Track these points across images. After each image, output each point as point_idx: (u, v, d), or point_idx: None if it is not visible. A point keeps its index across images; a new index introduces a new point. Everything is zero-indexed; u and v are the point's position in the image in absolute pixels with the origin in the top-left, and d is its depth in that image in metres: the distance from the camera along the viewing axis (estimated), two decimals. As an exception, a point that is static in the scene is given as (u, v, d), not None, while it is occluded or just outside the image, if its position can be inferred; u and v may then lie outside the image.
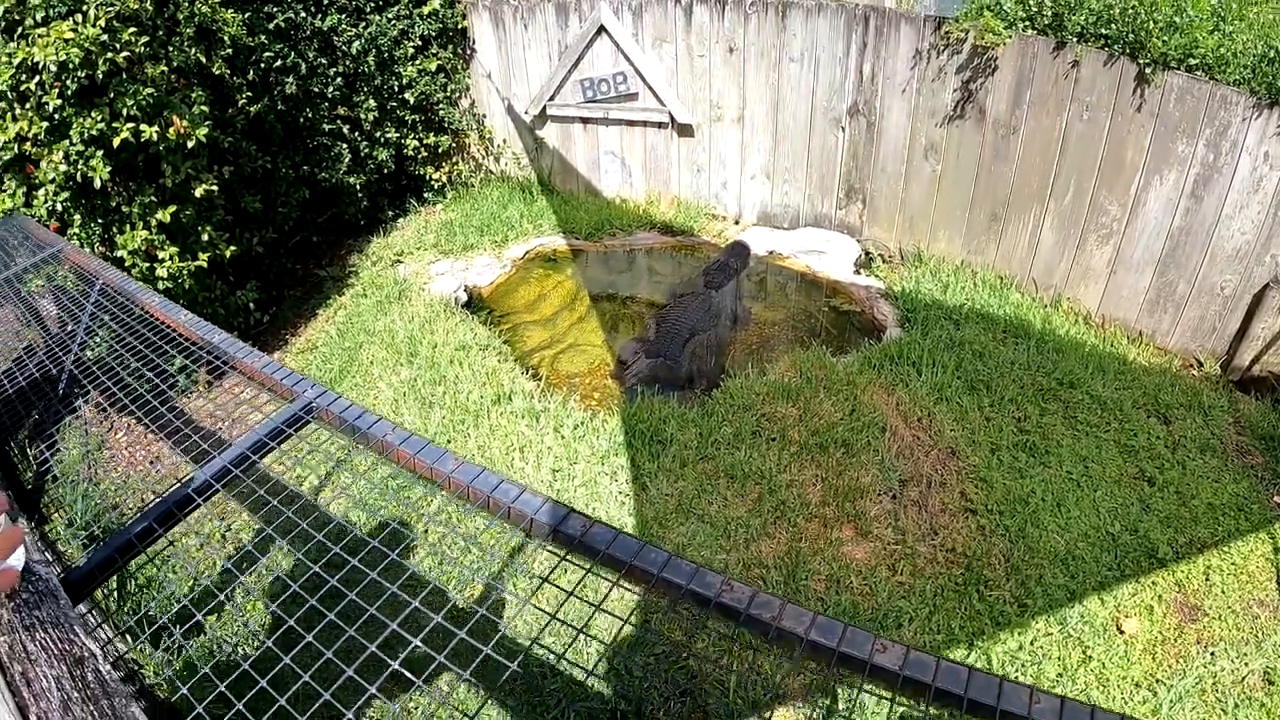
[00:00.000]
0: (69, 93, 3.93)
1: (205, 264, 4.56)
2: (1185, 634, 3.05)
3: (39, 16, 3.96)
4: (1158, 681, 2.89)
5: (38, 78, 3.90)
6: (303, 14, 5.69)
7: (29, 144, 3.98)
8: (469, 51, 6.56)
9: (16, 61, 3.85)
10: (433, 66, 6.26)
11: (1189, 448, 3.88)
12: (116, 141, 4.06)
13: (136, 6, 4.17)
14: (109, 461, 4.29)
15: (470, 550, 3.34)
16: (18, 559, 1.04)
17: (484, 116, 6.82)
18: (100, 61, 3.96)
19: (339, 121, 6.07)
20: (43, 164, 4.00)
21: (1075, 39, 4.51)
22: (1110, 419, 4.07)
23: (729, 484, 3.75)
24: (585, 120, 6.37)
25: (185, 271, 4.42)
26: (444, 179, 6.82)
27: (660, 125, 6.07)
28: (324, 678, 1.20)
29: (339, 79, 5.95)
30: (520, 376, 4.67)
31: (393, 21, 6.06)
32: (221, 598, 2.36)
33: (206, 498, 1.44)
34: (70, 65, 3.87)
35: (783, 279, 5.63)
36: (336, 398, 1.62)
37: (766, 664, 2.97)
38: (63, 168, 4.00)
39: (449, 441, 4.20)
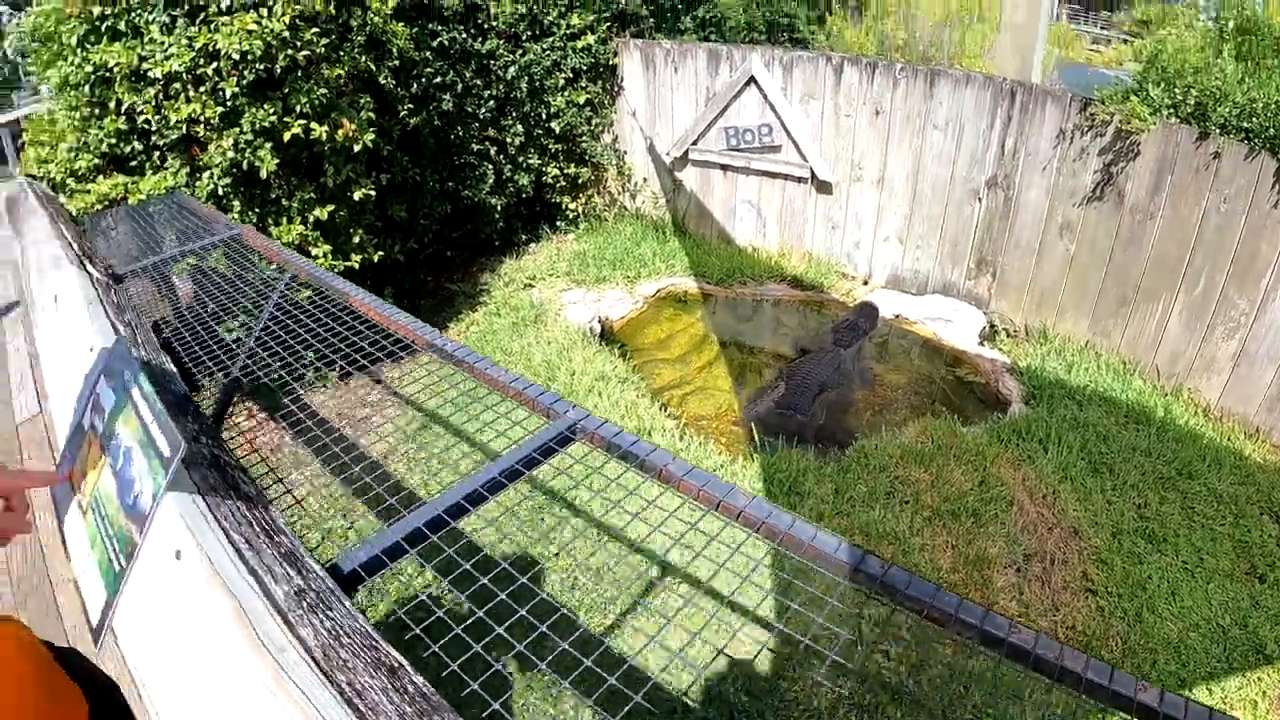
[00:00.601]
0: (245, 83, 4.50)
1: (356, 265, 5.26)
2: (1285, 731, 3.49)
3: (224, 4, 4.57)
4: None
5: (215, 64, 4.47)
6: (464, 35, 6.56)
7: (201, 127, 4.56)
8: (616, 88, 7.46)
9: (198, 46, 4.41)
10: (581, 99, 7.16)
11: (1300, 548, 4.33)
12: (287, 136, 4.65)
13: (320, 8, 4.76)
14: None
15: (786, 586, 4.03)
16: None
17: (624, 153, 7.73)
18: (280, 56, 4.55)
19: (487, 143, 6.94)
20: (211, 148, 4.58)
21: (1218, 130, 5.08)
22: (1225, 513, 4.60)
23: (864, 541, 4.31)
24: (725, 167, 7.23)
25: (335, 270, 4.97)
26: (579, 210, 7.71)
27: (800, 180, 6.91)
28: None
29: (491, 101, 6.84)
30: (659, 413, 5.37)
31: (547, 52, 6.95)
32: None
33: (477, 507, 1.60)
34: (251, 56, 4.44)
35: (907, 343, 6.40)
36: (603, 421, 1.80)
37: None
38: (230, 154, 4.57)
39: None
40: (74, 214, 4.34)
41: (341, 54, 5.04)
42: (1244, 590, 4.14)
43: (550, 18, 6.95)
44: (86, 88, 4.57)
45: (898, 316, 6.52)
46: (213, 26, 4.48)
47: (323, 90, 4.81)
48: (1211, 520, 4.59)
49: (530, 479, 1.88)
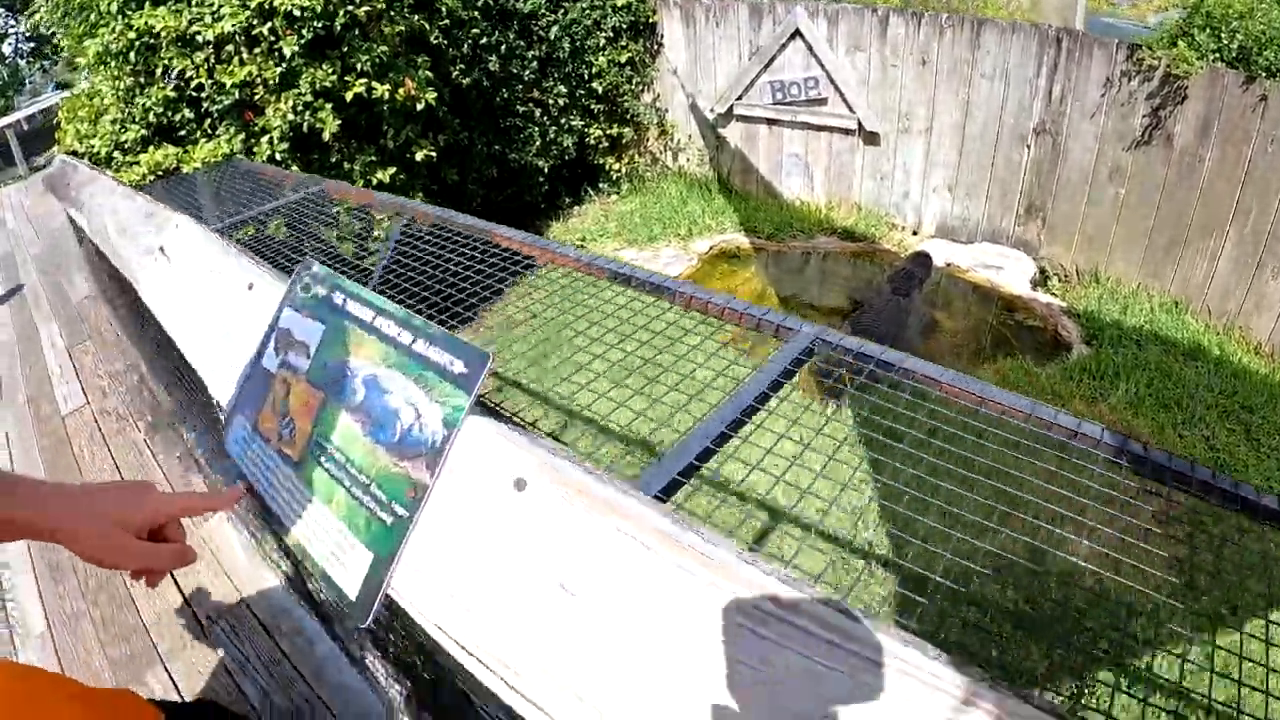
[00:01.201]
0: (303, 41, 4.08)
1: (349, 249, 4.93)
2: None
3: None
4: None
5: (270, 23, 4.03)
6: None
7: (261, 88, 4.12)
8: (656, 47, 7.02)
9: (253, 4, 3.98)
10: (623, 58, 6.73)
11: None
12: (349, 95, 4.23)
13: None
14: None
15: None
16: None
17: (665, 111, 7.29)
18: (340, 13, 4.12)
19: (531, 104, 6.52)
20: (268, 111, 4.15)
21: (1264, 74, 4.85)
22: (1289, 443, 4.37)
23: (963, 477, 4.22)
24: (771, 121, 6.82)
25: (393, 235, 4.75)
26: (622, 170, 7.26)
27: (847, 131, 6.51)
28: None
29: (534, 62, 6.41)
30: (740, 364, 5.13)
31: (587, 11, 6.51)
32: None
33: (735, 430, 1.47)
34: (309, 13, 4.02)
35: (962, 290, 6.10)
36: (841, 337, 1.70)
37: None
38: (290, 117, 4.14)
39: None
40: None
41: (394, 12, 4.60)
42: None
43: (589, -25, 6.44)
44: (131, 55, 4.05)
45: (949, 264, 6.18)
46: (268, -18, 4.00)
47: (383, 48, 4.39)
48: (1276, 450, 4.39)
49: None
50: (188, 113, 4.25)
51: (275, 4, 4.01)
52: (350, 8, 4.20)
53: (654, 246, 6.52)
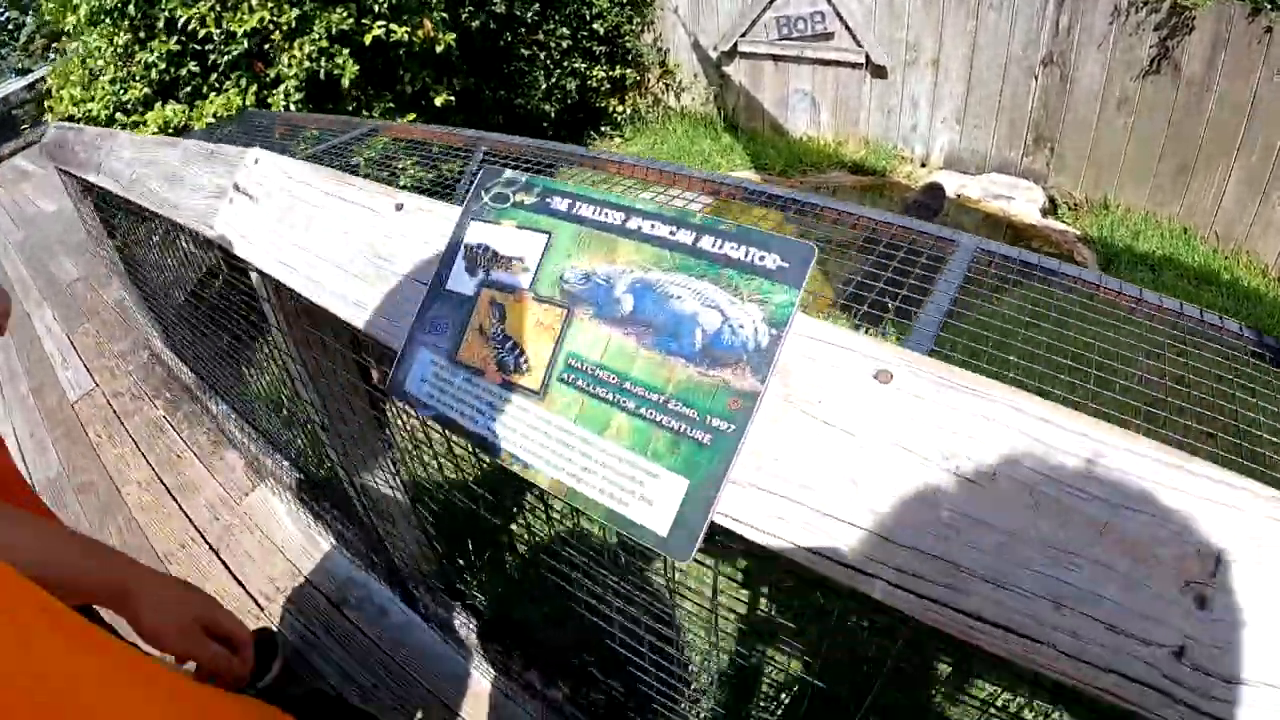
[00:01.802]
0: None
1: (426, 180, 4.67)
2: None
3: None
4: None
5: None
6: None
7: (278, 33, 3.77)
8: (656, -15, 6.66)
9: None
10: (625, -2, 6.38)
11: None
12: (368, 39, 3.88)
13: None
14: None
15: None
16: None
17: (667, 51, 6.97)
18: None
19: (534, 47, 6.17)
20: (283, 58, 3.82)
21: (1269, 5, 4.73)
22: (1301, 361, 4.48)
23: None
24: (777, 58, 6.54)
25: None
26: (626, 112, 6.95)
27: (854, 65, 6.26)
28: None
29: (536, 3, 6.04)
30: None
31: (586, -53, 6.14)
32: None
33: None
34: None
35: (974, 220, 5.94)
36: (998, 245, 1.77)
37: None
38: (306, 64, 3.81)
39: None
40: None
41: (407, -50, 4.17)
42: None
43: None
44: (130, 8, 3.63)
45: (959, 195, 6.02)
46: (276, -77, 3.61)
47: None
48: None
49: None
50: (193, 66, 3.88)
51: None
52: None
53: (665, 187, 6.26)
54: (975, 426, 0.65)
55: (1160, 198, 5.60)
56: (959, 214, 5.95)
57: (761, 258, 0.75)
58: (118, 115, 3.96)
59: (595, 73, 6.65)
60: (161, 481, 3.03)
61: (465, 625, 2.31)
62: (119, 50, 3.90)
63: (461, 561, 2.22)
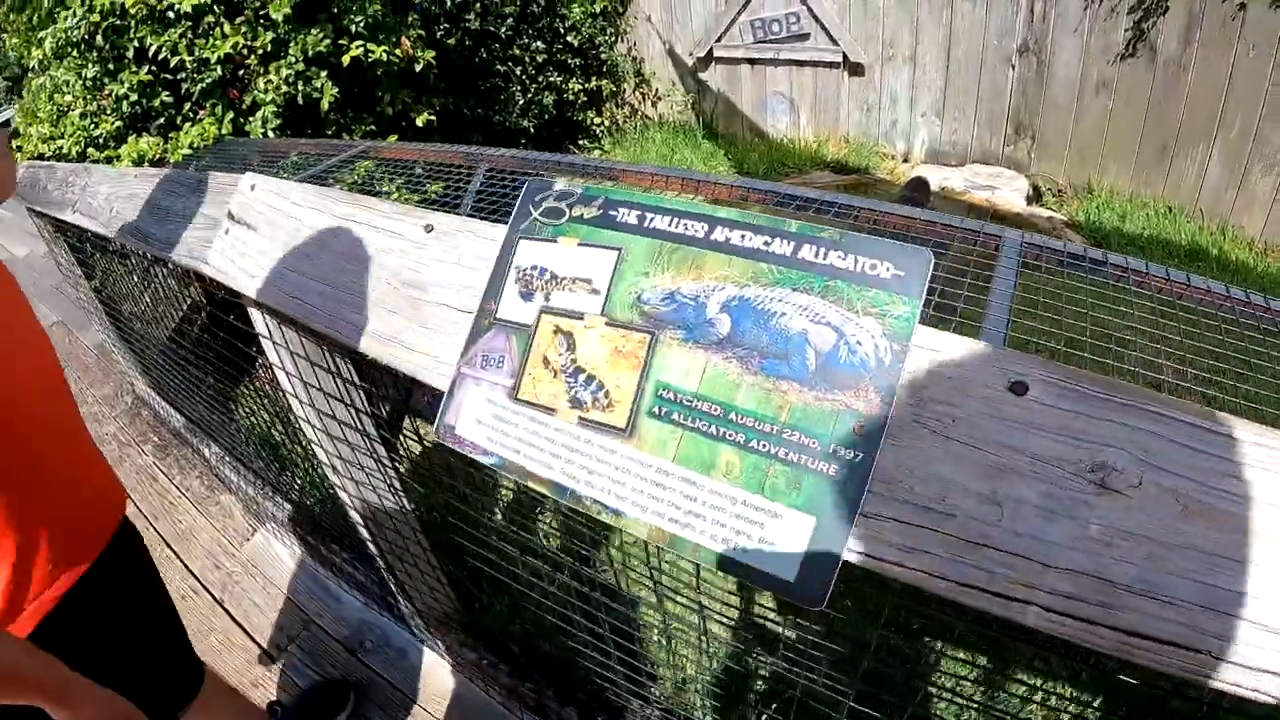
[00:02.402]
0: (294, 3, 3.66)
1: (415, 202, 4.59)
2: None
3: None
4: None
5: None
6: None
7: (253, 58, 3.68)
8: (628, -6, 6.62)
9: None
10: (598, 9, 6.32)
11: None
12: (346, 60, 3.79)
13: None
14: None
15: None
16: None
17: (642, 60, 6.91)
18: None
19: (510, 63, 6.09)
20: (260, 83, 3.71)
21: None
22: (1291, 328, 4.51)
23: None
24: (753, 61, 6.49)
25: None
26: (604, 124, 6.88)
27: (831, 65, 6.22)
28: None
29: (510, 18, 5.97)
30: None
31: (558, -40, 6.09)
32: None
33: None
34: None
35: (960, 212, 5.92)
36: (1045, 239, 1.75)
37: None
38: (283, 89, 3.71)
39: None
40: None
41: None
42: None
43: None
44: (99, 38, 3.51)
45: (944, 188, 6.00)
46: (249, -57, 3.48)
47: (376, 5, 3.91)
48: None
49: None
50: (166, 96, 3.74)
51: None
52: None
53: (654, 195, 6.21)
54: (1116, 434, 0.61)
55: (1144, 179, 5.59)
56: (944, 207, 5.92)
57: (873, 266, 0.66)
58: (90, 151, 3.81)
59: (572, 86, 6.57)
60: (156, 530, 2.90)
61: (493, 663, 2.22)
62: (88, 83, 3.75)
63: (484, 596, 2.12)
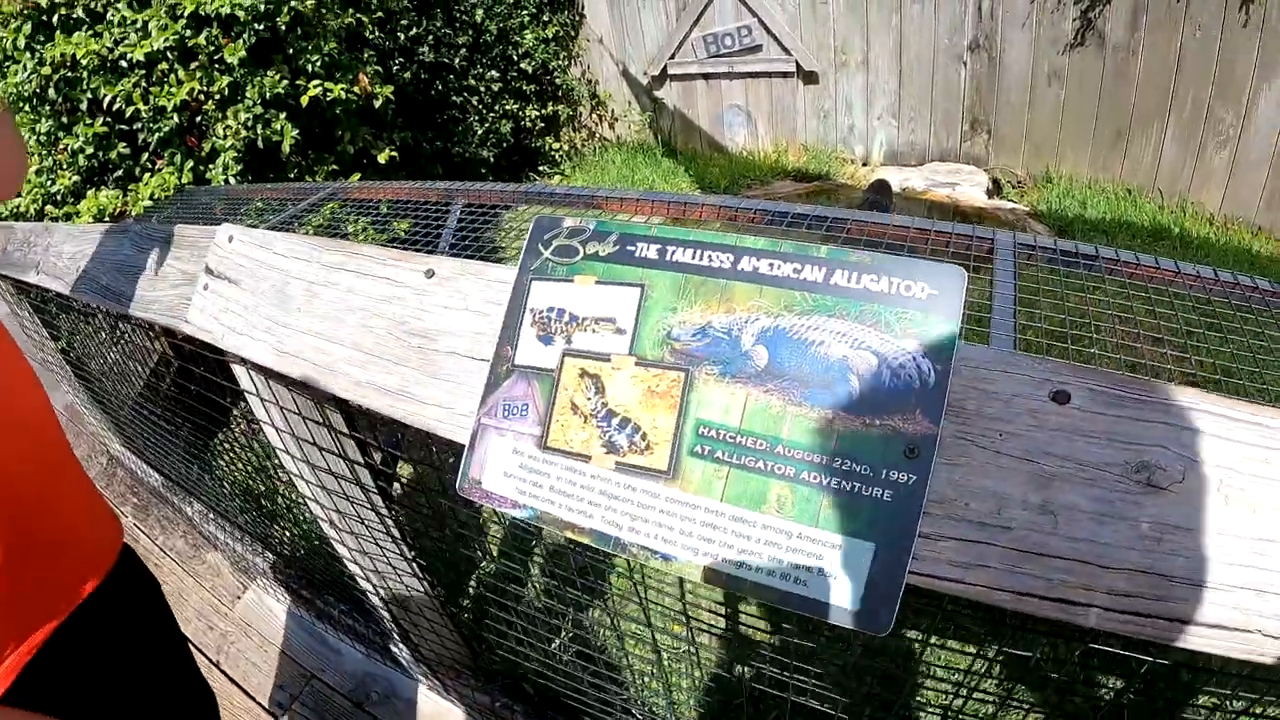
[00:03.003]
0: (249, 45, 3.60)
1: (383, 243, 4.56)
2: None
3: None
4: None
5: (207, 31, 3.53)
6: None
7: (211, 103, 3.62)
8: (578, 18, 6.68)
9: (185, 14, 3.45)
10: (550, 34, 6.35)
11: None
12: (305, 100, 3.74)
13: None
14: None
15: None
16: None
17: (596, 83, 6.95)
18: (284, 10, 3.63)
19: (465, 93, 6.10)
20: (218, 128, 3.65)
21: None
22: (1255, 300, 4.64)
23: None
24: (708, 76, 6.56)
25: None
26: (562, 149, 6.90)
27: (786, 75, 6.29)
28: None
29: (463, 49, 5.98)
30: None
31: (505, -11, 6.11)
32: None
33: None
34: (252, 13, 3.53)
35: (923, 211, 6.00)
36: (1035, 238, 1.76)
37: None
38: (243, 133, 3.65)
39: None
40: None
41: (336, 5, 4.12)
42: None
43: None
44: (52, 91, 3.45)
45: (905, 189, 6.08)
46: (201, -12, 3.43)
47: (331, 44, 3.86)
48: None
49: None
50: (123, 148, 3.66)
51: (211, 10, 3.44)
52: (294, 3, 3.65)
53: (619, 219, 6.22)
54: (1155, 433, 0.63)
55: (1101, 164, 5.72)
56: (906, 207, 6.00)
57: (908, 287, 0.67)
58: (48, 208, 3.71)
59: (528, 112, 6.58)
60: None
61: (507, 704, 2.18)
62: (42, 138, 3.66)
63: (492, 636, 2.09)
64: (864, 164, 6.52)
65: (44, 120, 3.62)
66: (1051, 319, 1.53)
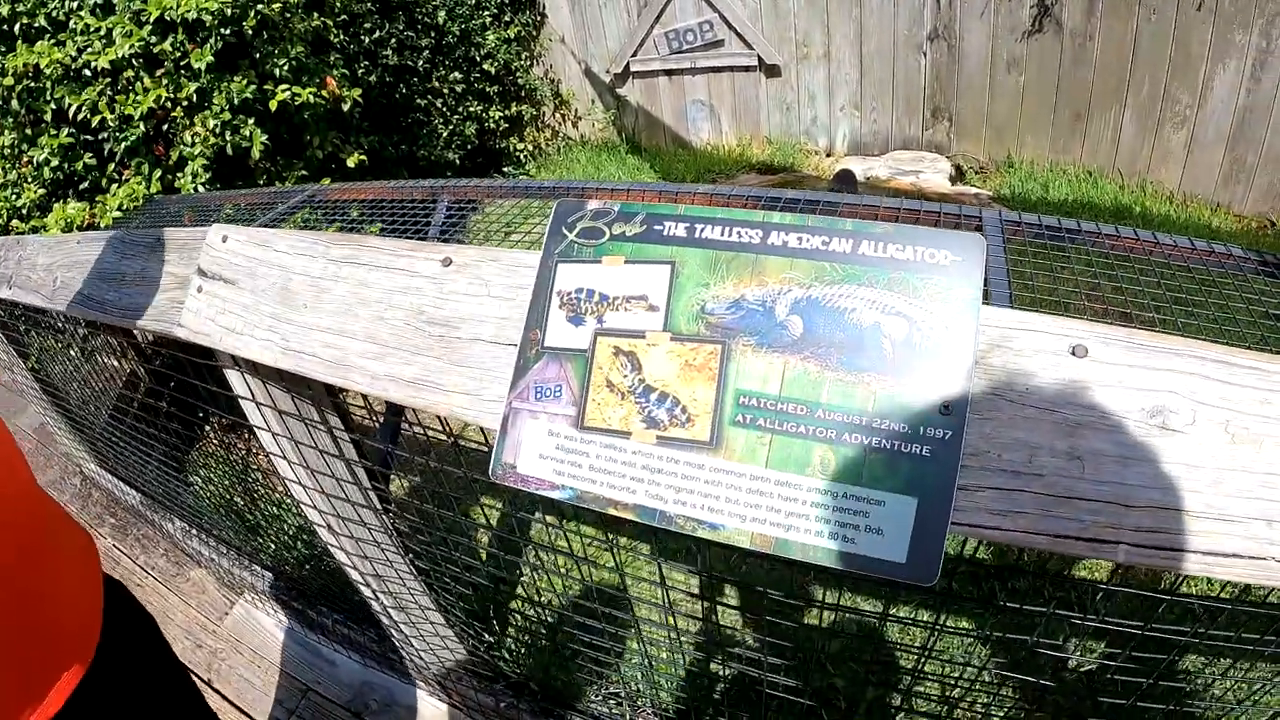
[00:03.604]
0: (216, 50, 3.57)
1: None
2: None
3: None
4: None
5: (172, 37, 3.49)
6: None
7: (179, 110, 3.59)
8: (540, 18, 6.69)
9: (150, 19, 3.42)
10: (512, 34, 6.36)
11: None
12: (274, 105, 3.72)
13: None
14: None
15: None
16: None
17: (559, 82, 6.97)
18: (251, 14, 3.60)
19: (429, 96, 6.09)
20: (186, 136, 3.62)
21: None
22: (1216, 270, 4.80)
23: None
24: (670, 72, 6.60)
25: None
26: (527, 149, 6.90)
27: (748, 69, 6.35)
28: None
29: (426, 51, 5.98)
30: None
31: (465, -10, 6.11)
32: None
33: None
34: (218, 18, 3.50)
35: (889, 198, 6.11)
36: (1019, 214, 1.89)
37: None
38: (211, 140, 3.61)
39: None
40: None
41: (301, 9, 4.05)
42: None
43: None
44: (14, 103, 3.40)
45: (869, 177, 6.16)
46: (160, -9, 3.38)
47: (299, 47, 3.84)
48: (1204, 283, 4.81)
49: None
50: (89, 158, 3.60)
51: (177, 15, 3.40)
52: (260, 7, 3.61)
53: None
54: (1167, 381, 0.68)
55: (1061, 147, 5.85)
56: (878, 194, 6.09)
57: (932, 255, 0.71)
58: (14, 223, 3.64)
59: (492, 113, 6.58)
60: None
61: (512, 704, 2.20)
62: (6, 151, 3.59)
63: (492, 635, 2.11)
64: (828, 155, 6.60)
65: (7, 133, 3.56)
66: (1041, 287, 1.60)
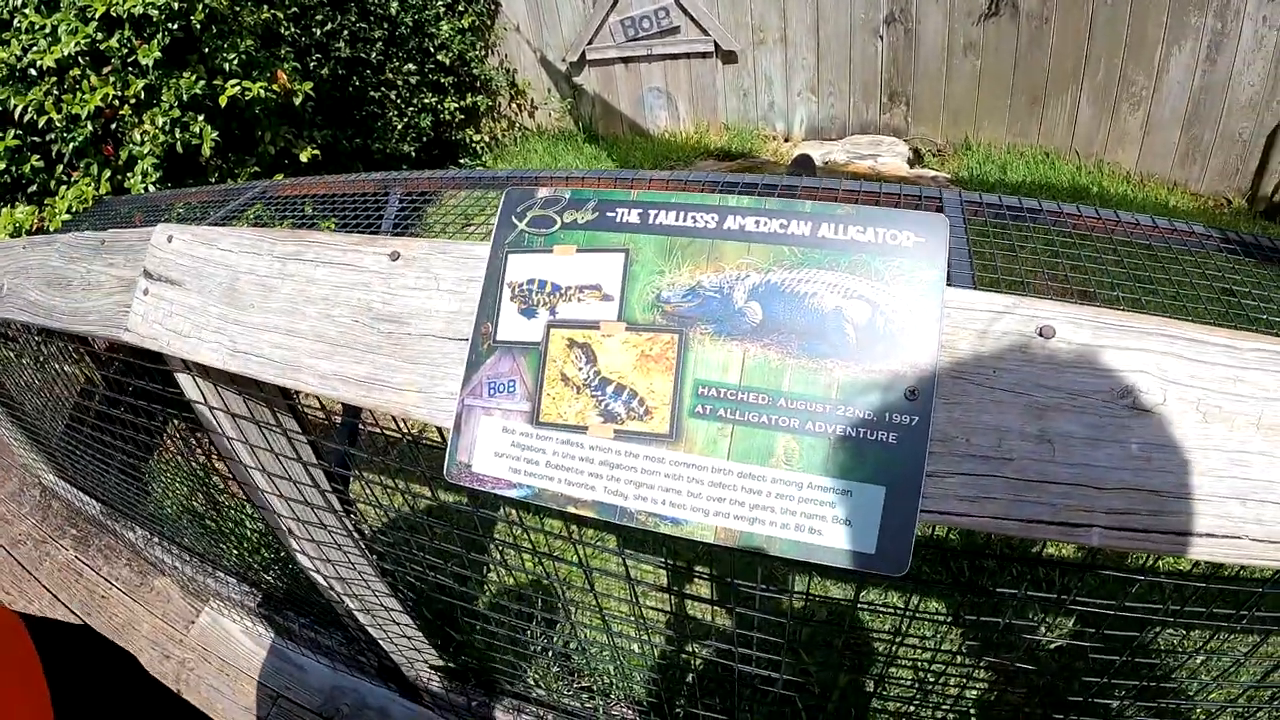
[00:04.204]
0: (163, 46, 3.49)
1: None
2: None
3: None
4: None
5: (119, 33, 3.41)
6: None
7: (126, 108, 3.51)
8: (494, 6, 6.59)
9: (96, 16, 3.34)
10: (466, 24, 6.26)
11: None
12: (224, 100, 3.64)
13: None
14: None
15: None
16: None
17: (515, 71, 6.87)
18: (199, 8, 3.51)
19: (383, 88, 5.98)
20: (135, 134, 3.54)
21: None
22: (1171, 253, 4.89)
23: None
24: (627, 60, 6.54)
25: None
26: (483, 140, 6.81)
27: (704, 55, 6.31)
28: None
29: (379, 43, 5.86)
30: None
31: (417, -20, 6.00)
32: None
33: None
34: (166, 12, 3.42)
35: (848, 181, 6.12)
36: (981, 194, 1.90)
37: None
38: (161, 138, 3.53)
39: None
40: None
41: (250, 2, 3.95)
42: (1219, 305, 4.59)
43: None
44: None
45: (827, 162, 6.16)
46: (104, -12, 3.29)
47: (249, 41, 3.73)
48: (1164, 260, 4.91)
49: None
50: (37, 160, 3.49)
51: (123, 10, 3.30)
52: (207, 1, 3.51)
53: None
54: (1136, 360, 0.67)
55: (1018, 129, 5.88)
56: (831, 179, 6.10)
57: (894, 236, 0.69)
58: (-41, 229, 3.54)
59: (447, 105, 6.47)
60: (90, 629, 2.71)
61: (483, 702, 2.16)
62: (-50, 156, 3.49)
63: (459, 634, 2.07)
64: (786, 140, 6.59)
65: (-49, 136, 3.44)
66: (1004, 267, 1.58)
